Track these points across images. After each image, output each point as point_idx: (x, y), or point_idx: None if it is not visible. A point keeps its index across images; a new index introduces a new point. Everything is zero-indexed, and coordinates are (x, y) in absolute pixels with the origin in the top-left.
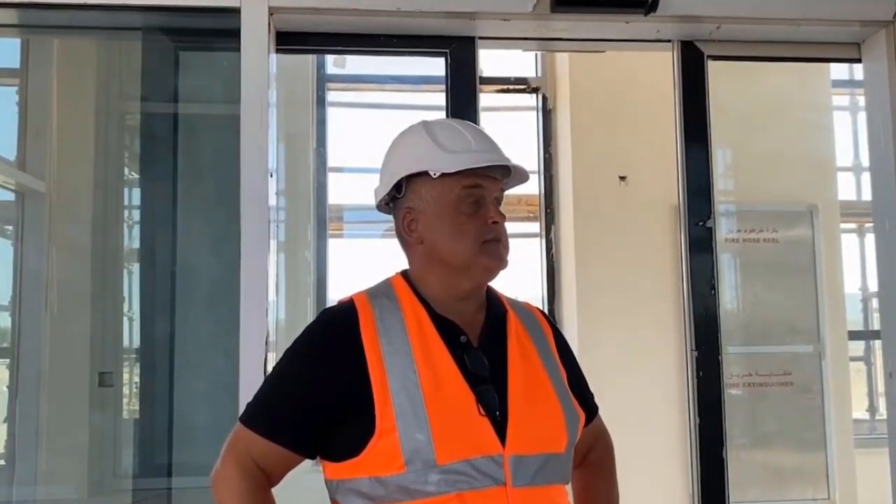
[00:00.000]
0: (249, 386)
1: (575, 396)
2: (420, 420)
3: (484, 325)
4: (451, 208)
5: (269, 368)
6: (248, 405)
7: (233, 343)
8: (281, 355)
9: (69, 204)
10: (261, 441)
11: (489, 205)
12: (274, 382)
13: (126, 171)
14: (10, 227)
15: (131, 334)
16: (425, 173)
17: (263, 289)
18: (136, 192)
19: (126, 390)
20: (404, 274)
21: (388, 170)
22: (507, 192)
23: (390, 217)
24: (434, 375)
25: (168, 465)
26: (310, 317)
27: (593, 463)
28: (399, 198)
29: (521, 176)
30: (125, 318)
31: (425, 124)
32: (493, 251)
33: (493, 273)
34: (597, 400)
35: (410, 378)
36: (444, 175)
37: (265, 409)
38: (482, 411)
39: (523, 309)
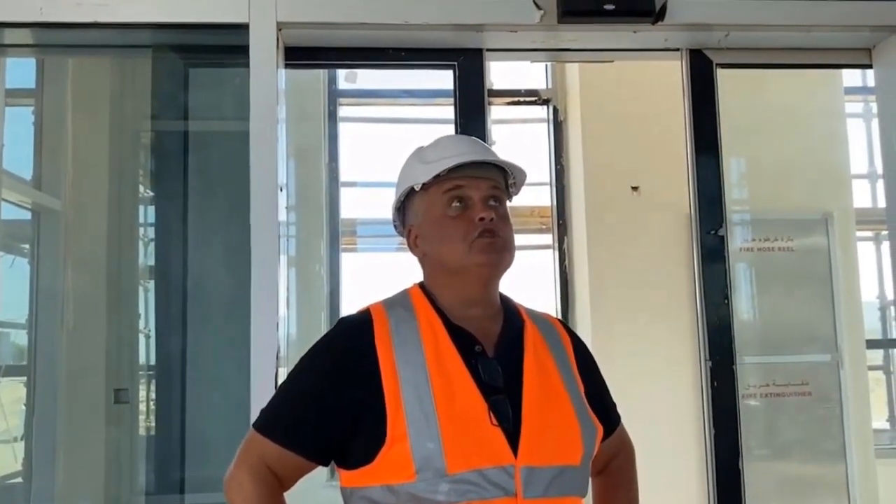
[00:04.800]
0: (260, 401)
1: (596, 409)
2: (431, 428)
3: (500, 334)
4: (439, 216)
5: (280, 383)
6: (263, 411)
7: (245, 358)
8: (296, 363)
9: (84, 222)
10: (274, 447)
11: (477, 203)
12: (288, 390)
13: (140, 188)
14: (27, 246)
15: (147, 351)
16: (415, 191)
17: (273, 304)
18: (151, 209)
19: (143, 407)
20: (422, 285)
21: (395, 196)
22: (519, 204)
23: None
24: (447, 384)
25: (181, 482)
26: (323, 331)
27: (614, 471)
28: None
29: (518, 174)
30: (141, 335)
31: (420, 147)
32: (483, 246)
33: (488, 269)
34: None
35: (423, 387)
36: (428, 187)
37: (279, 416)
38: (494, 421)
39: (543, 320)
